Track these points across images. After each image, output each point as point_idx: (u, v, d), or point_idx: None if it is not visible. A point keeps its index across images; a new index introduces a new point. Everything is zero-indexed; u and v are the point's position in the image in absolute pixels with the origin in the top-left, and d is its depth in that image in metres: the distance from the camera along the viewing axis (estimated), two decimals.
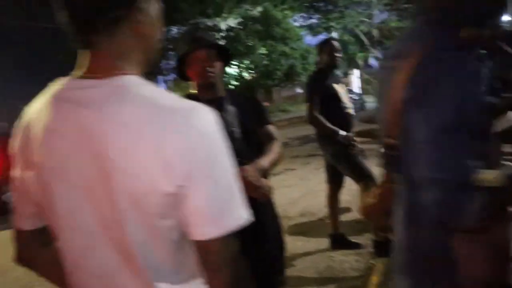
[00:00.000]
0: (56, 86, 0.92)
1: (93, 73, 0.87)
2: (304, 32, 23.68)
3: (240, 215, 0.86)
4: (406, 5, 18.58)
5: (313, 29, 23.44)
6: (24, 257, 1.06)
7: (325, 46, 3.86)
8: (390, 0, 19.90)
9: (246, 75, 27.10)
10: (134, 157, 0.81)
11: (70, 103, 0.86)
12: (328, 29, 22.74)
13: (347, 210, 4.52)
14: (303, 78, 22.56)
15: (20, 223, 1.02)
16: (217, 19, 24.23)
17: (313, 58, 22.76)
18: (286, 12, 22.14)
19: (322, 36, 23.28)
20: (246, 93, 11.39)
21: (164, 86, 36.74)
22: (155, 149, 0.80)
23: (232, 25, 24.39)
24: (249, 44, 23.89)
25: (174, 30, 27.33)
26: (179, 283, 0.91)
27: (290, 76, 23.87)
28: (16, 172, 0.98)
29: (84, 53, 0.89)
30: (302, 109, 13.95)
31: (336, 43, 3.84)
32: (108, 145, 0.82)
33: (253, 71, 25.66)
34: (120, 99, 0.83)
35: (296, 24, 23.96)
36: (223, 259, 0.87)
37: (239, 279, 0.90)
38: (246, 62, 25.88)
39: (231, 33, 24.34)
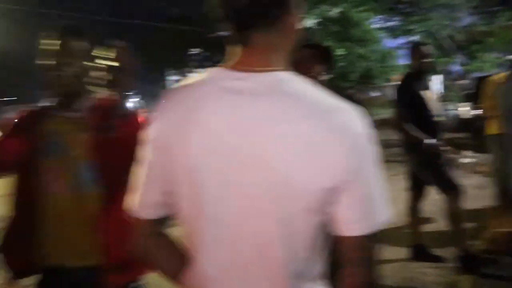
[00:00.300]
0: (206, 75, 0.96)
1: (246, 66, 0.91)
2: (383, 34, 22.93)
3: (387, 214, 0.90)
4: (496, 8, 17.43)
5: (392, 32, 22.66)
6: (142, 245, 1.07)
7: (414, 50, 3.76)
8: (479, 2, 18.77)
9: None
10: (287, 152, 0.84)
11: (227, 92, 0.90)
12: (408, 32, 21.88)
13: (429, 220, 4.34)
14: (380, 82, 21.93)
15: (142, 212, 1.03)
16: None
17: (391, 61, 22.05)
18: (366, 13, 21.57)
19: (401, 40, 22.50)
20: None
21: None
22: (308, 145, 0.83)
23: (310, 25, 24.26)
24: (327, 44, 23.62)
25: None
26: (310, 281, 0.93)
27: (366, 79, 23.27)
28: (148, 159, 0.99)
29: (236, 48, 0.94)
30: (379, 113, 13.57)
31: (426, 48, 3.72)
32: (261, 138, 0.85)
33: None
34: (276, 93, 0.87)
35: (375, 26, 23.29)
36: (366, 256, 0.90)
37: (374, 278, 0.92)
38: None
39: (308, 34, 24.22)
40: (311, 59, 1.90)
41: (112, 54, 1.55)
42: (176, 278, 1.11)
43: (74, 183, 1.53)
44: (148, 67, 31.99)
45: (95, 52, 1.56)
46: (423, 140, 3.43)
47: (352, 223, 0.87)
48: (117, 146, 1.52)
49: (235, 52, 0.94)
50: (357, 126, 0.87)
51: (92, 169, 1.52)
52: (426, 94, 3.60)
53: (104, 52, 1.56)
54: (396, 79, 21.28)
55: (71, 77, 1.53)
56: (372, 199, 0.88)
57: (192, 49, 30.47)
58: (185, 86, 0.99)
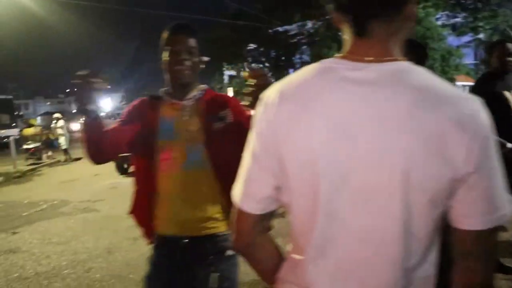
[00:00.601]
0: (319, 66, 0.94)
1: (364, 56, 0.89)
2: (447, 32, 21.94)
3: (509, 207, 0.86)
4: None
5: (457, 29, 21.67)
6: (245, 242, 1.06)
7: (495, 48, 3.52)
8: None
9: None
10: (411, 143, 0.81)
11: (347, 82, 0.88)
12: (475, 30, 20.84)
13: (503, 229, 4.10)
14: None
15: (250, 206, 1.01)
16: None
17: (454, 60, 21.09)
18: (429, 9, 20.73)
19: (467, 37, 21.46)
20: None
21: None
22: (433, 136, 0.81)
23: None
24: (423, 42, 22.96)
25: (309, 25, 27.50)
26: (421, 277, 0.90)
27: None
28: (257, 152, 0.97)
29: (351, 37, 0.92)
30: None
31: (510, 45, 3.47)
32: (385, 129, 0.83)
33: None
34: (398, 84, 0.85)
35: (439, 23, 22.33)
36: (487, 250, 0.88)
37: (493, 274, 0.90)
38: None
39: None
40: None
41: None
42: (271, 279, 1.11)
43: (183, 163, 1.73)
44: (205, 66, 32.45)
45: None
46: (505, 145, 3.22)
47: (473, 217, 0.85)
48: (225, 133, 1.72)
49: (351, 42, 0.92)
50: (483, 117, 0.83)
51: (200, 151, 1.72)
52: (508, 95, 3.38)
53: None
54: (461, 79, 20.39)
55: (187, 71, 1.75)
56: (494, 192, 0.85)
57: (249, 44, 30.62)
58: (296, 78, 0.97)
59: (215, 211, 1.79)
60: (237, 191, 1.04)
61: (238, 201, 1.03)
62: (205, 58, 1.88)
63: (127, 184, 9.72)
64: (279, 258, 1.10)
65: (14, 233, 6.19)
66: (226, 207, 1.73)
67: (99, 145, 1.73)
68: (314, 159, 0.88)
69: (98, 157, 1.79)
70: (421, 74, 0.87)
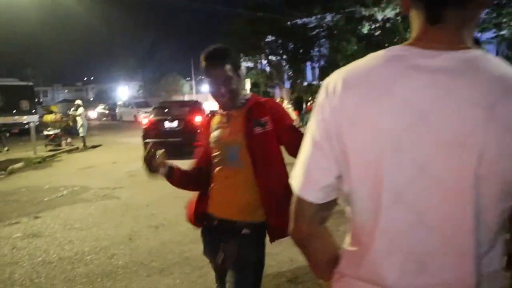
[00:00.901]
0: (386, 54, 0.92)
1: (436, 43, 0.87)
2: None
3: None
4: None
5: (480, 25, 21.25)
6: (303, 232, 1.03)
7: None
8: None
9: None
10: (488, 133, 0.80)
11: (418, 70, 0.86)
12: (498, 26, 20.42)
13: None
14: None
15: (310, 195, 0.98)
16: (375, 8, 23.41)
17: None
18: None
19: (490, 34, 21.02)
20: None
21: (310, 73, 36.96)
22: (508, 125, 0.79)
23: (390, 16, 23.39)
24: (406, 37, 22.63)
25: (329, 18, 27.25)
26: (490, 268, 0.88)
27: None
28: (319, 141, 0.95)
29: (424, 25, 0.89)
30: None
31: None
32: (460, 118, 0.81)
33: None
34: (473, 72, 0.83)
35: None
36: None
37: None
38: None
39: (388, 24, 23.33)
40: None
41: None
42: (325, 272, 1.08)
43: (225, 162, 2.05)
44: None
45: None
46: None
47: None
48: (264, 137, 1.95)
49: (420, 29, 0.90)
50: None
51: (236, 152, 2.00)
52: None
53: None
54: None
55: (227, 99, 1.97)
56: None
57: (267, 36, 30.50)
58: (360, 66, 0.95)
59: (244, 203, 2.01)
60: (296, 180, 1.01)
61: (297, 190, 1.00)
62: (243, 70, 2.15)
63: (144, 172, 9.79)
64: (336, 250, 1.08)
65: (36, 217, 6.28)
66: (259, 201, 1.98)
67: (192, 184, 2.19)
68: (385, 147, 0.86)
69: (200, 187, 2.19)
70: (497, 63, 0.85)
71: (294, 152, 1.79)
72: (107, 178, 9.28)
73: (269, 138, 1.96)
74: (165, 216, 5.77)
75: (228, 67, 1.94)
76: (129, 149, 15.25)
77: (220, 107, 2.09)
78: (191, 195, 2.25)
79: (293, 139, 1.88)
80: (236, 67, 1.99)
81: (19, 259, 4.60)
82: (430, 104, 0.84)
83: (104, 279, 3.96)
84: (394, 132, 0.85)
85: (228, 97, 1.97)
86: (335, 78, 0.95)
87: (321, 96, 0.97)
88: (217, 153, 2.08)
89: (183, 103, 16.40)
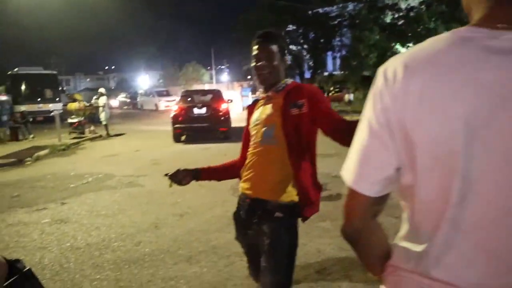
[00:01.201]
0: (453, 35, 0.87)
1: (506, 24, 0.82)
2: None
3: None
4: None
5: None
6: (356, 227, 0.99)
7: None
8: None
9: None
10: None
11: (494, 53, 0.81)
12: None
13: None
14: None
15: (365, 187, 0.94)
16: None
17: None
18: None
19: None
20: None
21: (331, 63, 36.57)
22: None
23: (414, 4, 22.90)
24: (430, 26, 22.15)
25: (351, 6, 26.84)
26: None
27: None
28: (381, 127, 0.90)
29: (491, 5, 0.85)
30: None
31: None
32: None
33: None
34: None
35: None
36: None
37: None
38: None
39: (412, 13, 22.83)
40: None
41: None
42: (378, 267, 1.05)
43: (261, 139, 2.11)
44: (244, 41, 32.38)
45: None
46: None
47: None
48: (299, 118, 1.99)
49: (487, 9, 0.85)
50: None
51: (272, 130, 2.06)
52: None
53: None
54: None
55: (267, 76, 2.09)
56: None
57: (288, 26, 30.24)
58: (423, 50, 0.90)
59: (276, 180, 2.05)
60: (349, 171, 0.97)
61: (351, 182, 0.96)
62: (288, 58, 2.20)
63: (168, 160, 9.95)
64: (388, 244, 1.04)
65: (63, 203, 6.38)
66: (290, 179, 2.03)
67: (225, 178, 2.42)
68: (460, 135, 0.81)
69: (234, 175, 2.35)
70: None
71: (331, 134, 1.90)
72: (131, 166, 9.37)
73: (304, 120, 1.98)
74: (190, 205, 5.80)
75: (275, 47, 2.07)
76: (151, 137, 15.39)
77: (260, 83, 2.16)
78: (215, 184, 2.38)
79: (330, 122, 1.92)
80: (283, 52, 2.11)
81: (48, 244, 4.68)
82: (509, 88, 0.78)
83: (131, 265, 4.00)
84: (470, 118, 0.80)
85: (268, 71, 2.07)
86: (394, 64, 0.90)
87: (378, 83, 0.92)
88: (254, 132, 2.17)
89: (206, 92, 17.18)
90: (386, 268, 1.01)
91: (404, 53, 0.93)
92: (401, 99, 0.87)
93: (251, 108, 2.32)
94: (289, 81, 2.18)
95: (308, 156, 2.06)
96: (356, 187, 0.95)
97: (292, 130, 2.00)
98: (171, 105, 20.07)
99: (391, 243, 1.03)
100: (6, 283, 2.02)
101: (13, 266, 2.14)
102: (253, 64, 2.13)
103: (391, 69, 0.90)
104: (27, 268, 2.17)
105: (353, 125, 1.79)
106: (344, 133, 1.84)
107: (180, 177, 2.25)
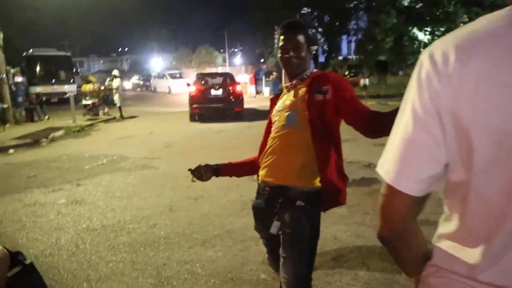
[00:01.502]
0: (505, 14, 0.79)
1: None
2: None
3: None
4: None
5: None
6: (396, 228, 0.92)
7: None
8: None
9: None
10: None
11: None
12: None
13: None
14: None
15: (408, 186, 0.85)
16: None
17: None
18: None
19: None
20: None
21: (346, 47, 36.07)
22: None
23: None
24: (449, 9, 21.66)
25: None
26: None
27: None
28: (429, 116, 0.82)
29: None
30: None
31: None
32: None
33: None
34: None
35: None
36: None
37: None
38: (442, 29, 23.70)
39: None
40: None
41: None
42: (416, 269, 0.98)
43: (283, 124, 2.07)
44: (258, 23, 32.07)
45: None
46: None
47: None
48: (323, 104, 1.95)
49: None
50: None
51: (295, 115, 2.03)
52: None
53: None
54: None
55: (293, 66, 2.07)
56: None
57: (303, 8, 29.83)
58: (476, 30, 0.81)
59: (299, 165, 1.99)
60: (389, 167, 0.88)
61: (391, 180, 0.87)
62: (314, 47, 2.17)
63: (181, 142, 9.96)
64: (426, 246, 0.97)
65: (78, 185, 6.42)
66: (314, 165, 1.96)
67: (250, 170, 2.35)
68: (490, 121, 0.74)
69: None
70: None
71: (355, 124, 1.86)
72: (145, 148, 9.39)
73: (328, 107, 1.94)
74: (204, 188, 5.74)
75: (301, 37, 2.05)
76: (165, 120, 15.42)
77: (286, 72, 2.16)
78: None
79: (354, 111, 1.87)
80: (309, 43, 2.09)
81: (64, 225, 4.71)
82: None
83: (147, 248, 4.01)
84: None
85: (296, 62, 2.06)
86: (443, 47, 0.82)
87: (424, 68, 0.84)
88: (276, 118, 2.13)
89: (219, 74, 18.33)
90: (426, 268, 0.94)
91: (451, 34, 0.85)
92: (455, 85, 0.79)
93: (274, 99, 2.30)
94: (314, 70, 2.16)
95: (333, 144, 2.01)
96: (398, 186, 0.86)
97: (315, 116, 1.96)
98: (184, 87, 20.71)
99: (432, 241, 0.95)
100: (10, 274, 2.04)
101: (15, 257, 2.16)
102: (279, 55, 2.11)
103: (439, 52, 0.82)
104: (28, 262, 2.19)
105: (379, 116, 1.75)
106: (369, 124, 1.79)
107: (202, 172, 2.28)
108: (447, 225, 0.90)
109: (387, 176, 0.88)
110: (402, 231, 0.92)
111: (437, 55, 0.82)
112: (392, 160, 0.87)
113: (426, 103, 0.82)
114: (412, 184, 0.85)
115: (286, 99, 2.15)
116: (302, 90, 2.06)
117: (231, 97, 14.49)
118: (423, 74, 0.84)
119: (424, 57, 0.85)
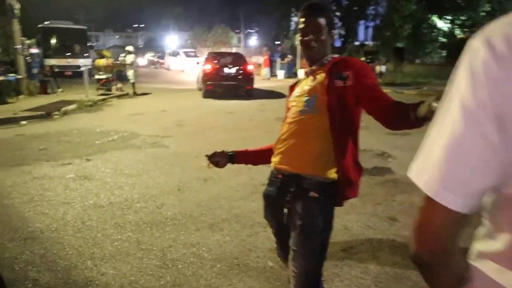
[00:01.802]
0: None
1: None
2: None
3: None
4: None
5: None
6: (436, 250, 0.78)
7: None
8: None
9: (458, 32, 24.30)
10: None
11: None
12: None
13: None
14: None
15: (456, 201, 0.72)
16: None
17: None
18: None
19: None
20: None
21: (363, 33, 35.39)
22: None
23: None
24: None
25: None
26: None
27: None
28: (487, 117, 0.68)
29: None
30: None
31: None
32: None
33: (467, 30, 22.84)
34: None
35: None
36: None
37: None
38: (462, 18, 23.07)
39: None
40: None
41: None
42: None
43: (301, 109, 1.97)
44: (276, 7, 31.59)
45: None
46: None
47: None
48: (343, 90, 1.85)
49: None
50: None
51: (314, 100, 1.93)
52: None
53: None
54: None
55: (313, 49, 1.98)
56: None
57: None
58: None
59: (315, 153, 1.90)
60: (429, 175, 0.74)
61: (433, 192, 0.73)
62: (335, 32, 2.09)
63: (192, 122, 9.87)
64: (467, 267, 0.83)
65: (88, 160, 6.38)
66: (331, 154, 1.86)
67: (266, 158, 2.18)
68: None
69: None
70: None
71: (376, 114, 1.74)
72: (156, 126, 9.32)
73: (348, 94, 1.85)
74: (214, 169, 5.62)
75: (322, 20, 1.96)
76: (177, 98, 15.35)
77: (306, 57, 2.07)
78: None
79: (375, 100, 1.76)
80: (330, 26, 2.00)
81: (71, 200, 4.68)
82: None
83: (153, 228, 3.95)
84: None
85: (315, 46, 1.97)
86: (504, 32, 0.68)
87: (479, 56, 0.69)
88: (294, 104, 2.03)
89: (229, 54, 18.99)
90: None
91: (507, 18, 0.70)
92: (503, 85, 0.66)
93: (293, 86, 2.21)
94: (335, 55, 2.07)
95: (351, 133, 1.90)
96: (442, 200, 0.72)
97: (335, 102, 1.86)
98: (196, 65, 21.14)
99: (469, 259, 0.84)
100: None
101: None
102: (299, 38, 2.02)
103: (500, 38, 0.68)
104: None
105: (402, 107, 1.61)
106: (391, 115, 1.67)
107: (218, 158, 2.26)
108: (491, 244, 0.78)
109: (428, 187, 0.74)
110: (443, 254, 0.78)
111: (497, 41, 0.68)
112: (434, 167, 0.73)
113: (481, 97, 0.68)
114: (459, 199, 0.72)
115: (305, 84, 2.05)
116: (321, 75, 1.96)
117: (243, 76, 15.41)
118: (477, 64, 0.69)
119: (478, 43, 0.70)
